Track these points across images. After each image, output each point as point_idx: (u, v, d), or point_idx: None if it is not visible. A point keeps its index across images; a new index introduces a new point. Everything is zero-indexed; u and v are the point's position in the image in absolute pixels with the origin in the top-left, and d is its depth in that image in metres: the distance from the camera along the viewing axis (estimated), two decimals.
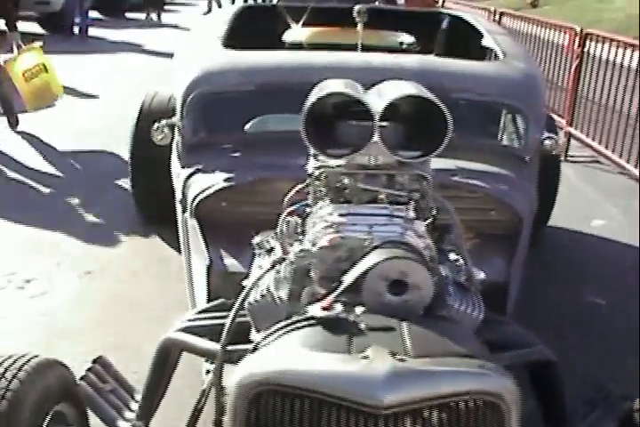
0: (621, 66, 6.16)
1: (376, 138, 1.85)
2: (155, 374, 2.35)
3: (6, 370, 1.93)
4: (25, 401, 1.86)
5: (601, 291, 3.94)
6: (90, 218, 4.88)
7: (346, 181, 1.95)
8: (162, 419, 2.41)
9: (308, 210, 2.09)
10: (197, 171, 2.92)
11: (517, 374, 1.68)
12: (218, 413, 1.97)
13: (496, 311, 2.26)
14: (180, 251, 2.99)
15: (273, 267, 2.07)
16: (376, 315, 1.70)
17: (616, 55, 6.34)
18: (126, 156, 4.62)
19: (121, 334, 3.38)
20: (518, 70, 3.21)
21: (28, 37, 7.27)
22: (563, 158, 6.00)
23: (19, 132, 6.69)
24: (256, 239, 2.44)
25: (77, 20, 14.04)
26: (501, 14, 9.65)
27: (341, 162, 1.97)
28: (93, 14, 15.76)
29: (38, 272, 4.02)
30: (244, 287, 2.49)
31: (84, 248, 4.38)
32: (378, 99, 1.88)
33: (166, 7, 19.30)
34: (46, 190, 5.34)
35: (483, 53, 4.58)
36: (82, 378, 2.37)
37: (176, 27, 15.63)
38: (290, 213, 2.10)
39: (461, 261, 2.05)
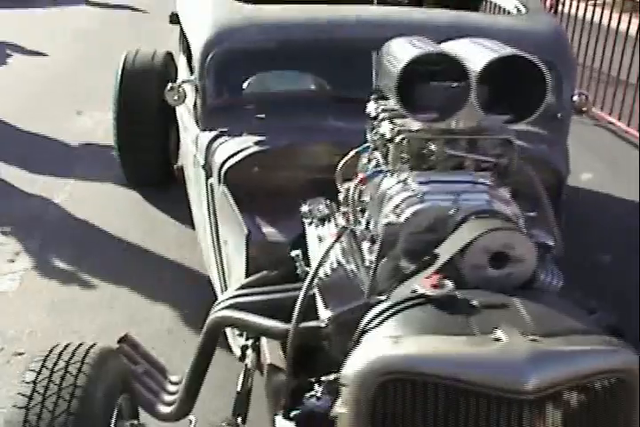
0: (599, 26, 6.13)
1: (473, 100, 1.72)
2: (202, 354, 2.23)
3: (68, 364, 1.77)
4: (95, 397, 1.72)
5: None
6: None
7: (431, 146, 1.81)
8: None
9: (378, 177, 1.95)
10: (222, 134, 2.74)
11: None
12: (285, 396, 1.86)
13: None
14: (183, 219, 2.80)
15: (339, 238, 1.93)
16: (484, 291, 1.61)
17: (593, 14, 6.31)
18: None
19: None
20: (548, 25, 3.09)
21: None
22: None
23: None
24: (305, 207, 2.31)
25: None
26: None
27: (423, 126, 1.83)
28: None
29: None
30: (287, 258, 2.38)
31: None
32: (471, 58, 1.74)
33: None
34: None
35: (475, 7, 4.45)
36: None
37: None
38: (362, 181, 1.97)
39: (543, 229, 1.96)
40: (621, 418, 1.44)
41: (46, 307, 3.37)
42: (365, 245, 1.99)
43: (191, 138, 2.98)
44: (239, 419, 2.14)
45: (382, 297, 1.79)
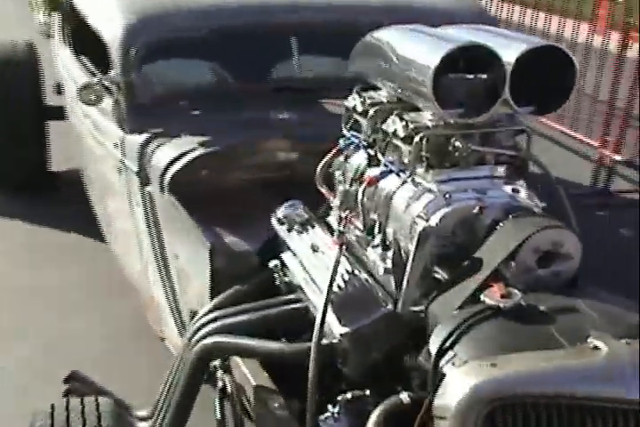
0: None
1: (507, 94, 1.61)
2: (189, 388, 2.01)
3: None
4: None
5: None
6: None
7: (457, 142, 1.68)
8: None
9: (389, 179, 1.80)
10: (156, 136, 2.47)
11: None
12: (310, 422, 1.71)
13: None
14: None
15: (342, 246, 1.78)
16: (543, 294, 1.51)
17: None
18: None
19: None
20: (472, 5, 3.05)
21: None
22: None
23: None
24: (280, 212, 2.12)
25: None
26: None
27: (441, 121, 1.70)
28: None
29: None
30: (255, 269, 2.19)
31: None
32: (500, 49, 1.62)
33: None
34: None
35: None
36: (67, 404, 1.97)
37: None
38: (370, 183, 1.81)
39: None
40: None
41: None
42: (374, 252, 1.84)
43: (112, 141, 2.67)
44: None
45: (417, 308, 1.68)
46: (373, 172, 1.85)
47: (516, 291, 1.46)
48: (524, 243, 1.55)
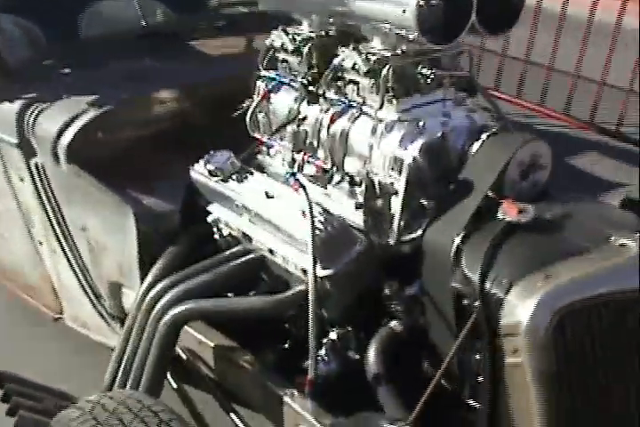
0: None
1: (474, 17, 1.62)
2: (160, 362, 1.91)
3: None
4: None
5: None
6: None
7: (424, 70, 1.69)
8: None
9: (350, 113, 1.77)
10: (31, 102, 2.20)
11: None
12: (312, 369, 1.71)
13: None
14: None
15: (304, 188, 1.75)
16: (542, 204, 1.60)
17: None
18: None
19: None
20: None
21: None
22: None
23: None
24: (210, 165, 1.99)
25: None
26: None
27: (409, 50, 1.68)
28: None
29: None
30: (179, 227, 2.08)
31: None
32: None
33: None
34: None
35: None
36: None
37: None
38: (332, 120, 1.76)
39: None
40: None
41: None
42: (337, 189, 1.83)
43: None
44: None
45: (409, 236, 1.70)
46: (329, 109, 1.80)
47: (529, 206, 1.53)
48: (511, 158, 1.62)
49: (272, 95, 1.97)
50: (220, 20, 2.75)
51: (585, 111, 4.61)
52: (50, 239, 2.35)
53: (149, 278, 1.99)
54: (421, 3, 1.52)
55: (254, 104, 1.96)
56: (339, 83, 1.78)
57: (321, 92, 1.84)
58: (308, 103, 1.87)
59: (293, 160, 1.88)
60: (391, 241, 1.71)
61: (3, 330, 2.80)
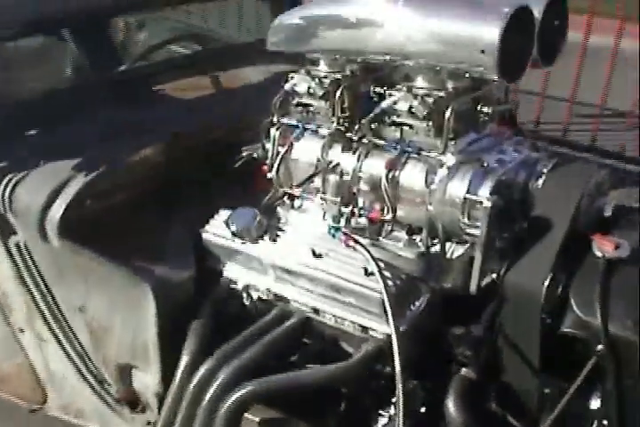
0: None
1: (535, 51, 1.56)
2: None
3: None
4: None
5: None
6: None
7: (485, 108, 1.61)
8: None
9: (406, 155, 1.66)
10: (5, 172, 1.94)
11: None
12: None
13: None
14: None
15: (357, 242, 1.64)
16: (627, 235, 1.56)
17: None
18: None
19: None
20: None
21: None
22: None
23: None
24: (233, 227, 1.82)
25: None
26: None
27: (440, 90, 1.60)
28: None
29: None
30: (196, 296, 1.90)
31: None
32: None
33: None
34: None
35: None
36: None
37: None
38: (390, 166, 1.64)
39: None
40: None
41: None
42: (395, 237, 1.72)
43: None
44: None
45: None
46: (369, 155, 1.68)
47: (623, 241, 1.48)
48: (584, 190, 1.57)
49: (288, 144, 1.83)
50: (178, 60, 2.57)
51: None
52: (35, 325, 2.07)
53: (186, 359, 1.79)
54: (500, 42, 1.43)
55: (280, 156, 1.81)
56: (392, 127, 1.67)
57: (356, 137, 1.72)
58: (343, 151, 1.75)
59: (340, 213, 1.74)
60: (472, 289, 1.61)
61: None
